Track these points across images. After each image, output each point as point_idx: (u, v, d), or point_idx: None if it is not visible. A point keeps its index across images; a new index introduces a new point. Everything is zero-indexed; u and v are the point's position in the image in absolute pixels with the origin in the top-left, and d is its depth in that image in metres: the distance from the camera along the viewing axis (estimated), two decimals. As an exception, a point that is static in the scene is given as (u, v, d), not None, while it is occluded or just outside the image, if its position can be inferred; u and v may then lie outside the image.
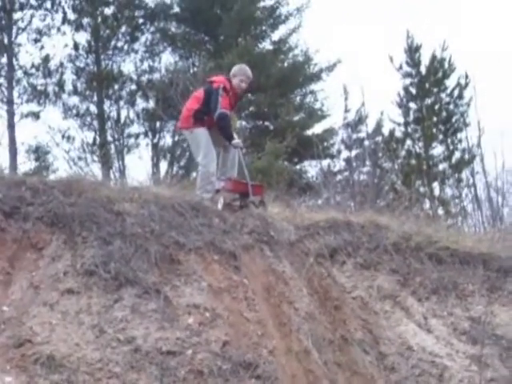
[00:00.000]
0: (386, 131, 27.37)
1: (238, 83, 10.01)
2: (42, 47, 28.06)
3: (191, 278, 7.54)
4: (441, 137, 27.56)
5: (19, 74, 27.80)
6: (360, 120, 26.96)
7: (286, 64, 29.12)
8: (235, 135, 10.19)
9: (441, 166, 27.36)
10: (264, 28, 29.60)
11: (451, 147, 27.35)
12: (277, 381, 6.79)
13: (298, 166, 28.33)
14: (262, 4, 29.46)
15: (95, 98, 28.98)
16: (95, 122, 28.91)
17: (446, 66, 27.66)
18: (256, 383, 6.69)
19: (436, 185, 26.63)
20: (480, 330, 8.39)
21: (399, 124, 27.90)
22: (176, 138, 28.73)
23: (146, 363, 6.46)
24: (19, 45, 27.74)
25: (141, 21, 29.81)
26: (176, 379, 6.42)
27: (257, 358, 6.94)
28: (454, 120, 27.65)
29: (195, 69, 28.71)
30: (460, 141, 27.41)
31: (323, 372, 7.28)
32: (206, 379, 6.52)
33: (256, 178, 15.01)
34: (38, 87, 28.05)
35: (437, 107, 27.69)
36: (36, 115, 27.55)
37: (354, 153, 26.64)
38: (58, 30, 28.41)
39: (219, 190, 9.75)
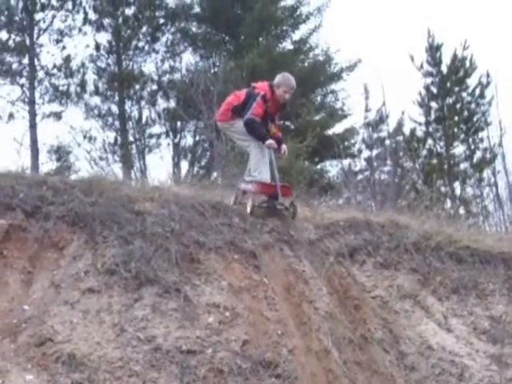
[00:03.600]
0: (406, 130, 27.34)
1: (281, 94, 9.74)
2: (64, 48, 28.21)
3: (211, 277, 7.58)
4: (462, 136, 27.50)
5: (41, 74, 28.00)
6: (381, 119, 26.91)
7: (306, 64, 29.12)
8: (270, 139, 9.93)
9: (462, 166, 27.34)
10: (285, 28, 29.59)
11: (472, 146, 27.30)
12: (296, 380, 6.81)
13: (318, 166, 28.28)
14: (282, 4, 29.49)
15: (116, 98, 29.09)
16: (116, 122, 29.04)
17: (468, 64, 27.56)
18: (276, 382, 6.71)
19: (457, 184, 26.59)
20: (500, 329, 8.38)
21: (420, 123, 27.90)
22: (197, 138, 28.81)
23: (166, 362, 6.49)
24: (41, 45, 27.95)
25: (161, 21, 29.90)
26: (196, 378, 6.45)
27: (277, 357, 6.96)
28: (475, 119, 27.57)
29: (216, 69, 28.77)
30: (481, 140, 27.38)
31: (343, 371, 7.28)
32: (226, 378, 6.55)
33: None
34: (60, 87, 28.18)
35: (458, 106, 27.64)
36: (58, 115, 27.68)
37: (374, 152, 26.58)
38: (80, 30, 28.55)
39: (246, 192, 9.62)
